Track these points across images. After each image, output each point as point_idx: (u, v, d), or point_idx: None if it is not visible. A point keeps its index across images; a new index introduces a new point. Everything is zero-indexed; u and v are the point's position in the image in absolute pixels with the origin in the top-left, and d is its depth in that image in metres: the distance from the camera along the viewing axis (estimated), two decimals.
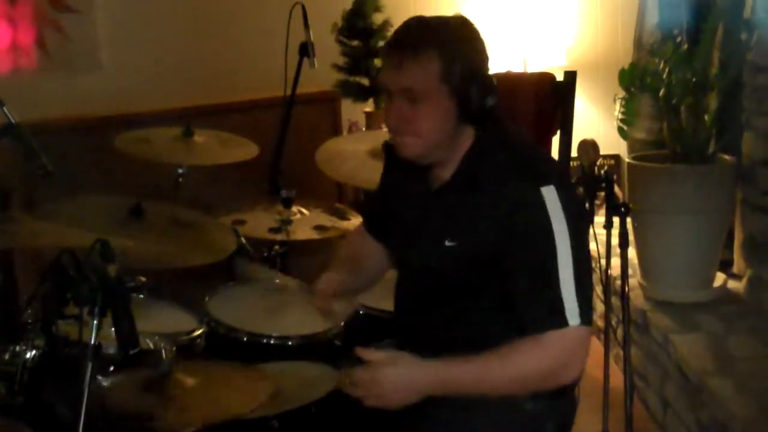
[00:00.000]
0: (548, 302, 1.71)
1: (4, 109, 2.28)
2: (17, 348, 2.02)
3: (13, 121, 2.28)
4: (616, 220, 2.54)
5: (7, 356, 2.04)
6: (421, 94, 1.76)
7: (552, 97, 3.63)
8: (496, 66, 4.46)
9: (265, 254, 3.00)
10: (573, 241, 1.71)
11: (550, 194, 1.72)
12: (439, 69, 1.75)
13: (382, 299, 2.49)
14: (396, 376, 1.73)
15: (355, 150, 3.09)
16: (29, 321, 2.04)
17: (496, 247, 1.75)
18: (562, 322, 1.70)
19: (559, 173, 1.84)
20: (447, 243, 1.82)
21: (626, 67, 3.43)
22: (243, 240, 2.82)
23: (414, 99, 1.77)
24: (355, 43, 4.32)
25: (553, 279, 1.70)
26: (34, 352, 2.00)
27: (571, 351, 1.73)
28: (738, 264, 3.54)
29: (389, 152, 2.03)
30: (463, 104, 1.78)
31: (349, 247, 2.23)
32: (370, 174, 2.95)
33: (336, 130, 4.16)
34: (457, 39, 1.78)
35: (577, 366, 1.75)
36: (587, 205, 2.52)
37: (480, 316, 1.83)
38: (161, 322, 2.47)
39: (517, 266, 1.74)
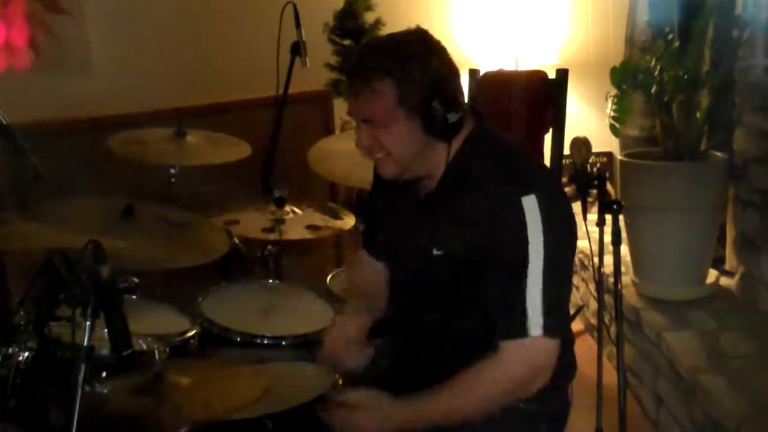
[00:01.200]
0: (512, 311, 1.72)
1: None
2: (9, 350, 2.01)
3: (3, 122, 2.27)
4: (608, 217, 2.54)
5: None
6: (381, 120, 1.78)
7: (544, 96, 3.62)
8: (487, 64, 4.48)
9: (259, 254, 2.99)
10: (548, 252, 1.71)
11: (530, 204, 1.72)
12: (393, 94, 1.75)
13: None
14: (369, 419, 1.79)
15: (348, 149, 3.08)
16: (21, 323, 2.02)
17: (475, 255, 1.76)
18: (523, 333, 1.71)
19: (545, 181, 1.82)
20: (435, 252, 1.83)
21: (618, 64, 3.43)
22: (236, 240, 2.82)
23: (376, 125, 1.79)
24: (347, 42, 4.32)
25: (520, 289, 1.71)
26: (26, 354, 1.98)
27: (531, 362, 1.74)
28: (730, 261, 3.55)
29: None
30: (427, 122, 1.77)
31: (355, 282, 2.22)
32: (363, 173, 2.94)
33: (328, 130, 4.15)
34: (410, 59, 1.75)
35: (541, 376, 1.76)
36: (580, 203, 2.52)
37: (470, 322, 1.84)
38: (154, 323, 2.46)
39: (490, 274, 1.75)
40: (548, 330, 1.71)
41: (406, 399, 1.78)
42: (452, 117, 1.76)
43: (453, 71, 1.81)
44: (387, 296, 2.09)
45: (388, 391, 1.82)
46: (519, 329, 1.71)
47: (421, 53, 1.77)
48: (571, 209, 1.86)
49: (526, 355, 1.73)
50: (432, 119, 1.76)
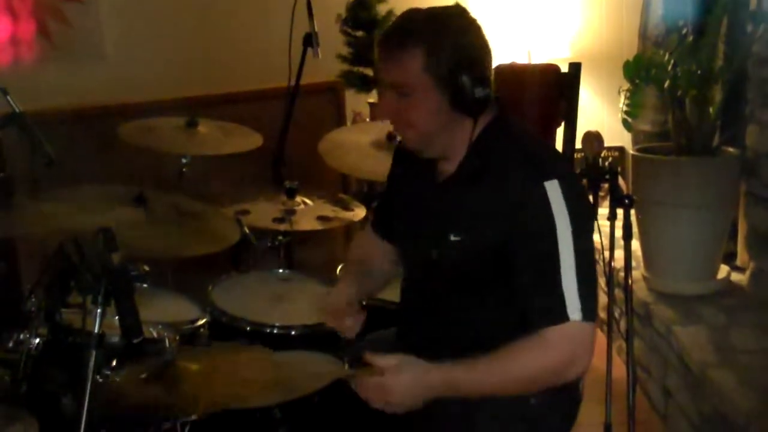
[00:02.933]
0: (550, 298, 1.71)
1: (9, 98, 2.28)
2: (21, 336, 2.02)
3: (17, 110, 2.28)
4: (620, 212, 2.53)
5: (10, 344, 2.04)
6: (408, 87, 1.77)
7: (556, 89, 3.62)
8: (500, 57, 4.46)
9: (269, 244, 3.00)
10: (575, 236, 1.71)
11: (553, 189, 1.72)
12: (423, 62, 1.75)
13: (385, 290, 2.49)
14: (404, 383, 1.73)
15: (359, 141, 3.09)
16: (33, 309, 2.04)
17: (500, 242, 1.75)
18: (564, 318, 1.69)
19: (564, 168, 1.83)
20: (452, 237, 1.82)
21: (631, 58, 3.42)
22: (246, 230, 2.82)
23: (402, 92, 1.78)
24: (360, 33, 4.32)
25: (555, 275, 1.70)
26: (37, 340, 2.00)
27: (574, 346, 1.72)
28: (741, 256, 3.54)
29: (399, 146, 2.04)
30: (453, 96, 1.77)
31: (357, 250, 2.23)
32: (374, 165, 2.95)
33: (340, 121, 4.16)
34: (444, 31, 1.76)
35: (583, 362, 1.74)
36: (591, 197, 2.51)
37: (485, 309, 1.83)
38: (165, 311, 2.48)
39: (520, 262, 1.74)
40: (586, 313, 1.70)
41: (443, 365, 1.73)
42: (479, 92, 1.76)
43: (486, 50, 1.82)
44: (390, 272, 2.11)
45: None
46: (559, 314, 1.69)
47: (455, 27, 1.78)
48: (587, 196, 1.87)
49: (567, 340, 1.71)
50: (459, 92, 1.76)
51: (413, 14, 1.82)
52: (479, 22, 1.83)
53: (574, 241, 1.71)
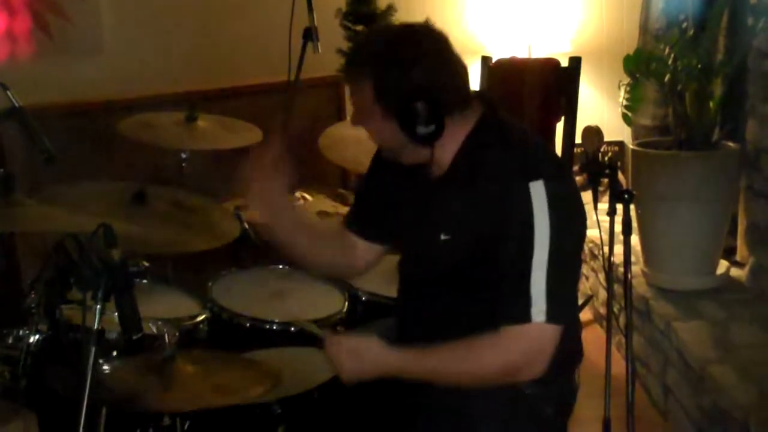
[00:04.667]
0: (515, 297, 1.72)
1: (9, 93, 2.27)
2: (21, 332, 2.03)
3: (16, 104, 2.28)
4: (619, 206, 2.53)
5: (10, 340, 2.04)
6: (363, 112, 1.83)
7: (556, 84, 3.62)
8: (500, 52, 4.46)
9: (269, 239, 3.00)
10: (554, 238, 1.70)
11: (537, 190, 1.72)
12: (371, 94, 1.78)
13: (384, 285, 2.50)
14: (371, 353, 1.80)
15: (359, 135, 3.05)
16: (32, 305, 2.04)
17: (486, 242, 1.76)
18: (525, 318, 1.70)
19: (553, 168, 1.81)
20: (442, 237, 1.83)
21: (631, 53, 3.41)
22: (246, 225, 2.82)
23: (363, 115, 1.84)
24: (360, 27, 4.30)
25: (524, 274, 1.71)
26: (37, 336, 2.00)
27: (530, 347, 1.73)
28: (741, 251, 3.54)
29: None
30: (404, 126, 1.78)
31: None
32: None
33: (340, 116, 4.15)
34: (392, 63, 1.76)
35: (541, 363, 1.74)
36: (591, 192, 2.51)
37: (476, 308, 1.83)
38: (164, 307, 2.48)
39: (497, 259, 1.75)
40: (551, 316, 1.71)
41: (400, 350, 1.79)
42: (421, 129, 1.76)
43: (441, 74, 1.78)
44: (323, 256, 2.10)
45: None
46: (522, 314, 1.71)
47: (408, 55, 1.77)
48: (579, 197, 1.86)
49: (526, 340, 1.73)
50: (407, 124, 1.77)
51: (366, 42, 1.89)
52: (441, 40, 1.81)
53: (551, 242, 1.70)
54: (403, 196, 1.98)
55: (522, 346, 1.73)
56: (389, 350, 1.80)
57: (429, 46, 1.79)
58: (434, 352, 1.77)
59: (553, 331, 1.73)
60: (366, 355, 1.80)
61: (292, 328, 2.47)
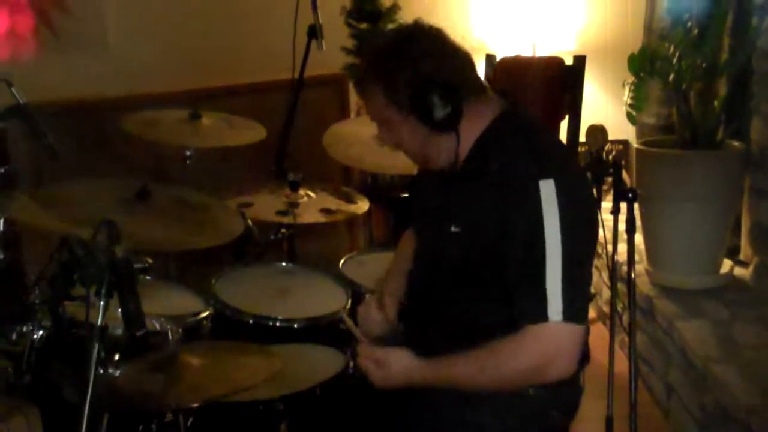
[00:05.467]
0: (532, 297, 1.71)
1: (12, 89, 2.28)
2: (24, 328, 2.03)
3: (20, 101, 2.28)
4: (623, 205, 2.53)
5: (14, 336, 2.04)
6: (381, 120, 1.87)
7: (561, 82, 3.62)
8: (505, 50, 4.46)
9: (272, 237, 3.00)
10: (565, 237, 1.70)
11: (547, 188, 1.71)
12: (383, 100, 1.82)
13: None
14: (401, 364, 1.84)
15: (363, 133, 3.08)
16: (36, 301, 2.04)
17: (494, 237, 1.76)
18: (543, 317, 1.70)
19: (565, 167, 1.81)
20: (452, 229, 1.84)
21: (636, 52, 3.41)
22: (250, 222, 2.82)
23: (384, 125, 1.88)
24: (364, 25, 4.31)
25: (539, 274, 1.70)
26: (41, 332, 2.00)
27: (550, 347, 1.73)
28: (745, 251, 3.54)
29: None
30: (421, 119, 1.80)
31: (399, 254, 2.21)
32: (377, 157, 2.95)
33: (344, 113, 4.15)
34: (396, 65, 1.79)
35: (564, 362, 1.75)
36: (594, 191, 2.51)
37: (484, 304, 1.84)
38: (168, 304, 2.48)
39: (508, 259, 1.75)
40: (569, 316, 1.70)
41: (423, 360, 1.82)
42: (438, 113, 1.78)
43: (444, 63, 1.80)
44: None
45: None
46: (539, 314, 1.70)
47: (407, 51, 1.80)
48: (591, 197, 1.86)
49: (544, 340, 1.72)
50: (425, 116, 1.79)
51: (367, 53, 1.94)
52: (435, 33, 1.83)
53: (563, 241, 1.70)
54: (424, 193, 2.02)
55: (540, 346, 1.73)
56: (416, 360, 1.83)
57: (428, 40, 1.82)
58: (457, 360, 1.78)
59: (571, 330, 1.73)
60: (394, 365, 1.84)
61: (295, 325, 2.48)
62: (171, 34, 4.19)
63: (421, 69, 1.78)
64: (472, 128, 1.84)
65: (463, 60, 1.84)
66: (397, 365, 1.84)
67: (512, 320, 1.74)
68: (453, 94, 1.79)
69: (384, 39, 1.92)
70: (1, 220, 2.11)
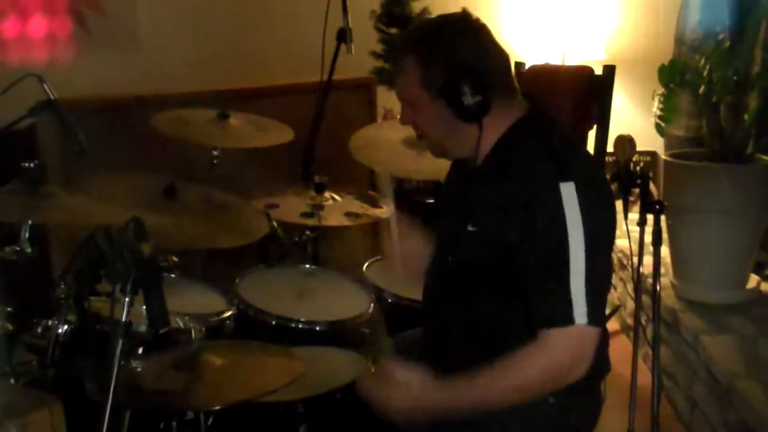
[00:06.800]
0: (557, 300, 1.70)
1: (44, 85, 2.30)
2: (50, 322, 2.05)
3: (52, 97, 2.30)
4: (650, 217, 2.51)
5: (39, 330, 2.06)
6: (411, 101, 1.86)
7: (589, 91, 3.59)
8: (534, 58, 4.45)
9: (296, 239, 3.01)
10: (588, 240, 1.70)
11: (568, 191, 1.71)
12: (419, 77, 1.81)
13: (411, 289, 2.49)
14: (401, 398, 1.78)
15: (390, 138, 3.08)
16: (62, 296, 2.06)
17: (512, 238, 1.75)
18: (570, 320, 1.69)
19: (586, 172, 1.80)
20: (469, 228, 1.84)
21: (666, 63, 3.39)
22: (275, 224, 2.83)
23: (409, 105, 1.88)
24: (393, 30, 4.31)
25: (564, 278, 1.70)
26: (66, 326, 2.02)
27: (576, 349, 1.73)
28: None
29: None
30: (451, 105, 1.80)
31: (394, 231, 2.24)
32: (404, 162, 2.95)
33: (371, 117, 4.15)
34: (436, 42, 1.81)
35: (585, 365, 1.74)
36: (621, 202, 2.49)
37: (499, 305, 1.83)
38: (192, 303, 2.49)
39: (529, 261, 1.74)
40: (593, 319, 1.70)
41: (443, 381, 1.77)
42: (468, 100, 1.78)
43: (484, 55, 1.82)
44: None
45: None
46: (565, 317, 1.69)
47: (450, 36, 1.81)
48: (611, 200, 1.85)
49: (570, 343, 1.71)
50: (455, 102, 1.79)
51: (411, 29, 1.95)
52: (480, 26, 1.85)
53: (585, 244, 1.70)
54: (445, 191, 2.03)
55: (567, 348, 1.72)
56: (434, 386, 1.77)
57: (472, 31, 1.84)
58: (476, 377, 1.74)
59: (594, 333, 1.73)
60: (419, 406, 1.77)
61: (318, 328, 2.48)
62: (202, 36, 4.22)
63: (460, 55, 1.79)
64: (496, 126, 1.84)
65: (501, 58, 1.86)
66: (397, 399, 1.78)
67: (529, 320, 1.73)
68: (485, 86, 1.79)
69: (431, 20, 1.92)
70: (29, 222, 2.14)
